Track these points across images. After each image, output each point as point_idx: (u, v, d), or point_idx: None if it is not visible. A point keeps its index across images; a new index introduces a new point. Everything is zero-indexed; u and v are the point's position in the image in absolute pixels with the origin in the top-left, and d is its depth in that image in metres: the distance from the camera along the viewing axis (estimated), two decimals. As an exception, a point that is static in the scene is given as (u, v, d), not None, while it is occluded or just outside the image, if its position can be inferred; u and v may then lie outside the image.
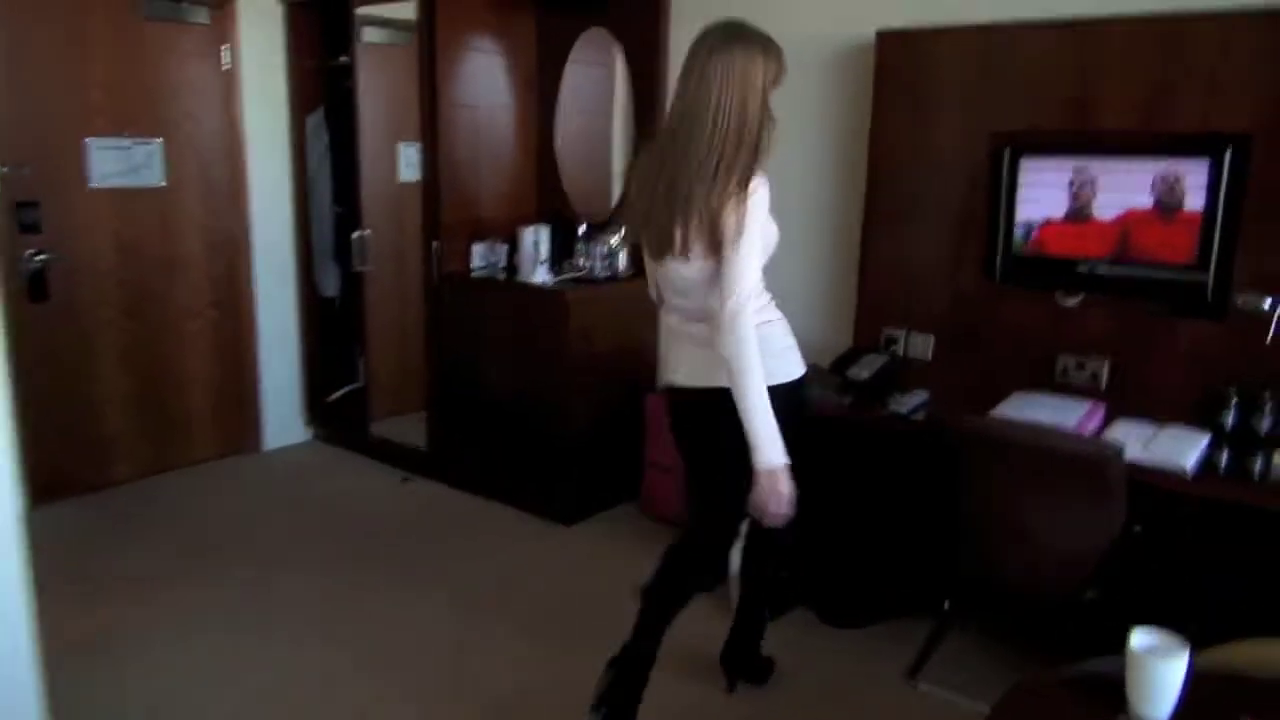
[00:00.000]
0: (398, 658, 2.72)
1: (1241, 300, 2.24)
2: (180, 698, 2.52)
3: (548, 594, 3.13)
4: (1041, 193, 2.76)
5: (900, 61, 2.99)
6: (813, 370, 2.46)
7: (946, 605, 2.76)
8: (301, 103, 4.36)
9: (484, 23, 3.87)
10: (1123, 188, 2.62)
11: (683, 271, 2.10)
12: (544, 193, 4.17)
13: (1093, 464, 2.16)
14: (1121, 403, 2.64)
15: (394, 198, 4.33)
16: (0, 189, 3.47)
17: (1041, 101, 2.75)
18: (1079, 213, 2.71)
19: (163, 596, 3.04)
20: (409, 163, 4.29)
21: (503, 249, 3.96)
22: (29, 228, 3.60)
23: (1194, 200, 2.51)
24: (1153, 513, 2.24)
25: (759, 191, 1.99)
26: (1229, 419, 2.49)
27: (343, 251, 4.49)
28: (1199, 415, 2.54)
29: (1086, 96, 2.68)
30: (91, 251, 3.79)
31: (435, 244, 3.85)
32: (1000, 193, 2.84)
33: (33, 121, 3.56)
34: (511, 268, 3.91)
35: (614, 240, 3.76)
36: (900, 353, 3.08)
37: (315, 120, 4.41)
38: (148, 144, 3.89)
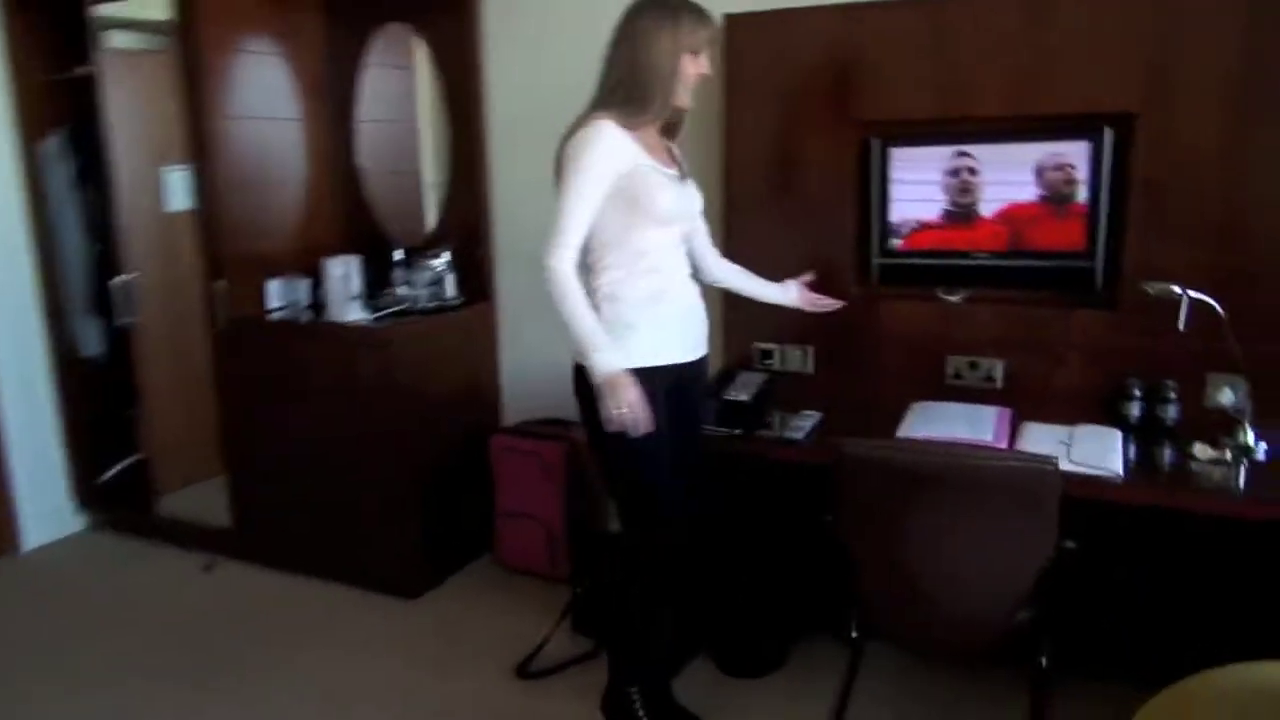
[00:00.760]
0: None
1: (1152, 289, 2.09)
2: None
3: (405, 697, 2.62)
4: (916, 186, 2.55)
5: (753, 47, 2.70)
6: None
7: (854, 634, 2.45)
8: (34, 123, 3.59)
9: (258, 20, 3.28)
10: (1003, 176, 2.45)
11: None
12: (350, 216, 3.62)
13: (1027, 482, 1.92)
14: (1023, 403, 2.46)
15: (163, 231, 3.64)
16: None
17: (909, 87, 2.54)
18: (957, 204, 2.52)
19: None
20: (178, 189, 3.62)
21: (304, 285, 3.39)
22: None
23: (1078, 185, 2.36)
24: (1085, 525, 2.04)
25: (592, 130, 1.97)
26: (1133, 411, 2.36)
27: (105, 300, 3.74)
28: (1104, 410, 2.40)
29: (957, 80, 2.49)
30: None
31: (219, 284, 3.23)
32: (871, 186, 2.61)
33: None
34: (317, 306, 3.35)
35: (437, 263, 3.29)
36: (777, 367, 2.80)
37: (55, 144, 3.64)
38: None
